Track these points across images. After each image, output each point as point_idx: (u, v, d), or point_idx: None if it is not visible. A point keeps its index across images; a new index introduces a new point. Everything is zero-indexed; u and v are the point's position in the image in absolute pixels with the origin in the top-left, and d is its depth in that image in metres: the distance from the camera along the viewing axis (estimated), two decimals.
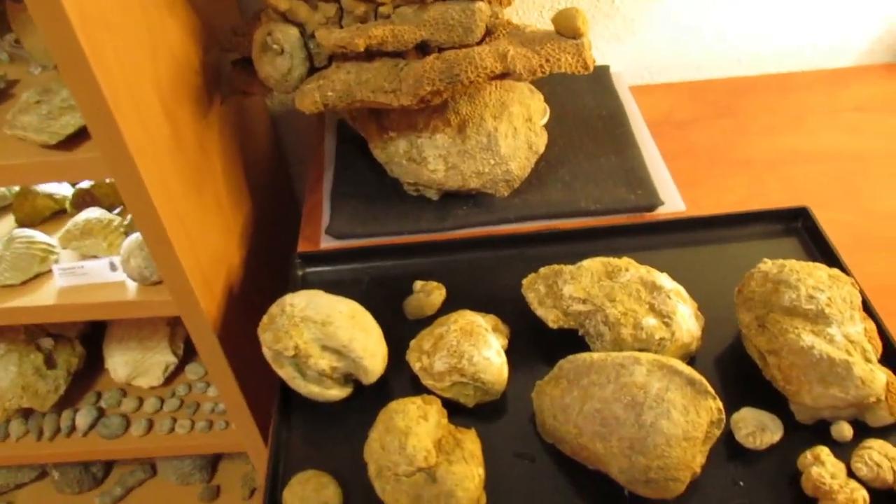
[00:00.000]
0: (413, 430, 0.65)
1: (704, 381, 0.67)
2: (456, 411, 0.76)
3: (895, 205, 0.96)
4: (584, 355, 0.72)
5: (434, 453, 0.65)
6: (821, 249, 0.88)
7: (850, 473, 0.67)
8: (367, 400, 0.78)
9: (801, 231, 0.92)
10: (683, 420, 0.65)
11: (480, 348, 0.75)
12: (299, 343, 0.72)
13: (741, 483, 0.69)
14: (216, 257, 0.88)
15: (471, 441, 0.68)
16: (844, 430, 0.70)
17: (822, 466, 0.67)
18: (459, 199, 0.98)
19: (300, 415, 0.78)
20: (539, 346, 0.82)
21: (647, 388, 0.66)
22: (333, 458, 0.73)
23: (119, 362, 1.09)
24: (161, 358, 1.09)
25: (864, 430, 0.71)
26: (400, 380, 0.79)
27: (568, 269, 0.81)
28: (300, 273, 0.92)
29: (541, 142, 0.95)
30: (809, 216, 0.91)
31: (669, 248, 0.91)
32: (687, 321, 0.76)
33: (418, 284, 0.87)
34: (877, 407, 0.70)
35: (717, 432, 0.68)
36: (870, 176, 1.00)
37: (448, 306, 0.86)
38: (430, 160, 0.91)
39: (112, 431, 1.05)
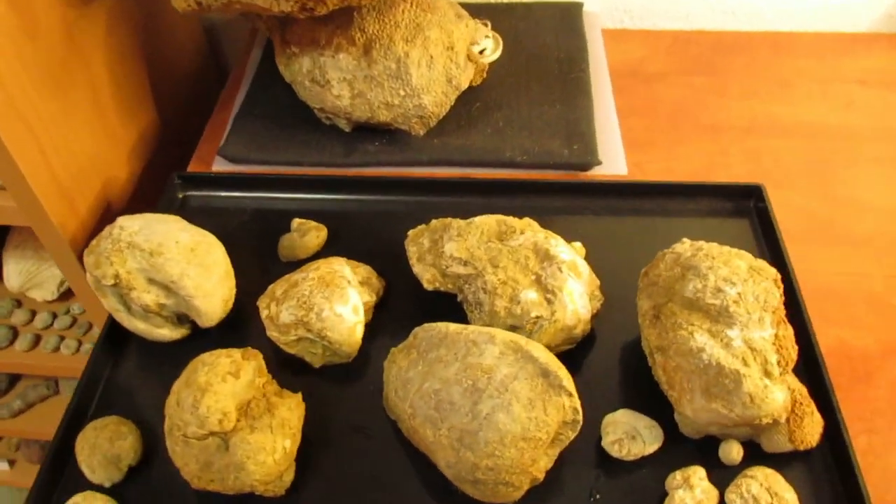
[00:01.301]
0: (213, 387, 0.56)
1: (563, 373, 0.56)
2: (302, 370, 0.67)
3: (867, 195, 0.82)
4: (441, 325, 0.62)
5: (232, 417, 0.56)
6: (767, 235, 0.76)
7: None
8: (214, 345, 0.69)
9: (751, 212, 0.79)
10: (525, 416, 0.54)
11: (334, 302, 0.65)
12: (120, 272, 0.63)
13: (597, 496, 0.59)
14: (84, 167, 0.79)
15: (288, 408, 0.59)
16: (732, 452, 0.59)
17: (690, 491, 0.56)
18: (373, 134, 0.87)
19: (133, 352, 0.69)
20: (415, 308, 0.72)
21: (492, 372, 0.56)
22: (151, 407, 0.64)
23: (13, 270, 1.02)
24: (57, 272, 1.01)
25: (758, 455, 0.60)
26: (258, 327, 0.70)
27: (457, 223, 0.70)
28: (180, 196, 0.83)
29: (464, 76, 0.83)
30: (762, 196, 0.77)
31: (597, 215, 0.79)
32: (575, 300, 0.64)
33: (295, 223, 0.77)
34: (773, 430, 0.58)
35: (571, 435, 0.57)
36: (849, 158, 0.86)
37: (326, 251, 0.76)
38: (333, 83, 0.80)
39: None
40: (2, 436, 1.27)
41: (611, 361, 0.67)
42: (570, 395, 0.56)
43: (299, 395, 0.61)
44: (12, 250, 1.03)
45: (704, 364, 0.56)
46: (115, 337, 0.69)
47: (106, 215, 0.84)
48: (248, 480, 0.55)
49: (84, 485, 0.60)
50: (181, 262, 0.64)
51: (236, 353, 0.60)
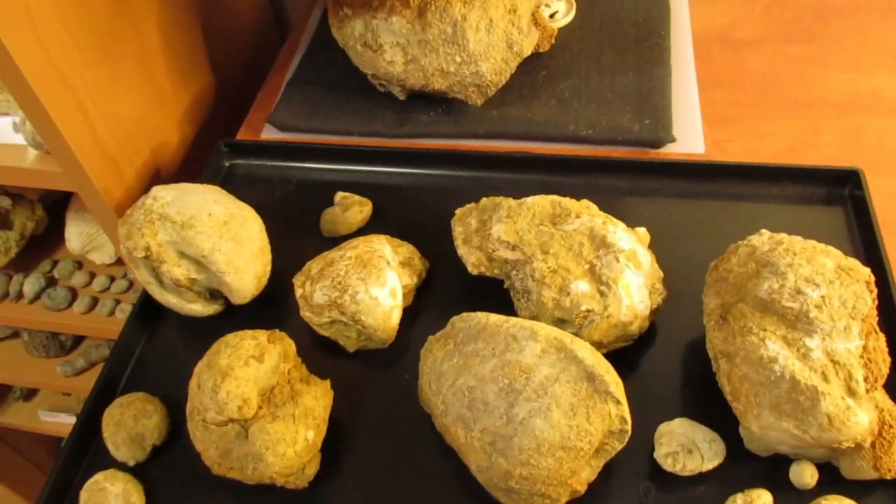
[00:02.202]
0: (235, 372, 0.53)
1: (611, 377, 0.50)
2: (336, 353, 0.64)
3: None
4: (480, 315, 0.56)
5: (253, 404, 0.53)
6: (862, 229, 0.66)
7: None
8: (247, 323, 0.66)
9: (845, 201, 0.69)
10: (565, 423, 0.49)
11: (370, 284, 0.61)
12: (151, 244, 0.61)
13: None
14: (131, 133, 0.78)
15: (313, 397, 0.55)
16: (805, 475, 0.52)
17: None
18: (428, 104, 0.81)
19: (166, 326, 0.67)
20: (459, 293, 0.67)
21: (531, 372, 0.50)
22: (179, 384, 0.62)
23: (74, 233, 1.02)
24: None
25: (836, 479, 0.53)
26: (294, 306, 0.66)
27: (508, 203, 0.65)
28: (226, 164, 0.80)
29: (526, 42, 0.76)
30: (859, 183, 0.68)
31: (667, 197, 0.72)
32: (632, 294, 0.58)
33: (339, 196, 0.73)
34: (856, 454, 0.51)
35: (618, 445, 0.51)
36: None
37: (370, 227, 0.72)
38: (386, 48, 0.75)
39: (56, 304, 1.00)
40: (69, 392, 1.30)
41: (670, 363, 0.61)
42: (618, 402, 0.50)
43: (327, 383, 0.58)
44: (74, 213, 1.04)
45: (776, 376, 0.49)
46: (149, 310, 0.67)
47: (154, 182, 0.82)
48: (266, 472, 0.52)
49: (109, 462, 0.58)
50: (213, 236, 0.61)
51: (262, 335, 0.56)
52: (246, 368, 0.53)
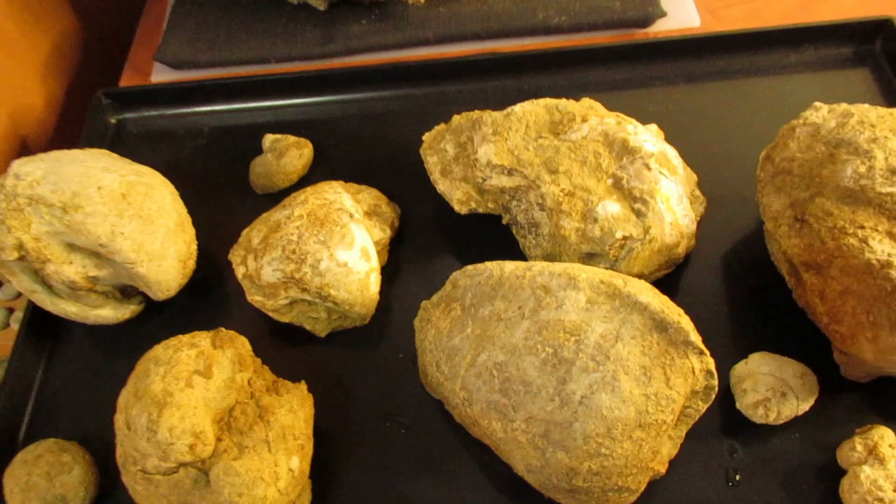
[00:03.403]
0: (175, 398, 0.38)
1: (686, 322, 0.38)
2: (305, 341, 0.49)
3: None
4: (491, 266, 0.43)
5: (209, 437, 0.38)
6: None
7: None
8: (178, 323, 0.51)
9: (878, 57, 0.58)
10: (640, 393, 0.36)
11: (334, 247, 0.46)
12: (24, 239, 0.44)
13: (737, 478, 0.42)
14: None
15: (289, 409, 0.41)
16: None
17: (881, 467, 0.39)
18: (356, 11, 0.65)
19: (69, 344, 0.51)
20: (445, 241, 0.53)
21: (581, 333, 0.38)
22: (103, 419, 0.46)
23: None
24: None
25: None
26: (237, 290, 0.51)
27: (491, 117, 0.50)
28: (112, 120, 0.62)
29: None
30: (894, 31, 0.57)
31: (671, 84, 0.59)
32: (674, 208, 0.45)
33: (268, 140, 0.57)
34: None
35: (703, 407, 0.40)
36: None
37: (314, 175, 0.57)
38: None
39: None
40: None
41: (718, 286, 0.49)
42: (701, 353, 0.38)
43: (303, 386, 0.43)
44: None
45: (894, 284, 0.38)
46: (43, 325, 0.50)
47: (22, 155, 0.64)
48: None
49: None
50: (109, 217, 0.45)
51: (203, 338, 0.41)
52: (190, 391, 0.39)
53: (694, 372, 0.38)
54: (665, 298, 0.39)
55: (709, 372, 0.38)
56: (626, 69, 0.60)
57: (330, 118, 0.60)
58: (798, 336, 0.45)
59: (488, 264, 0.43)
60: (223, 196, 0.57)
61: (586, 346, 0.37)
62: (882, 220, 0.40)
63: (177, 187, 0.52)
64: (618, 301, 0.38)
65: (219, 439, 0.39)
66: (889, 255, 0.38)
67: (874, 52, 0.58)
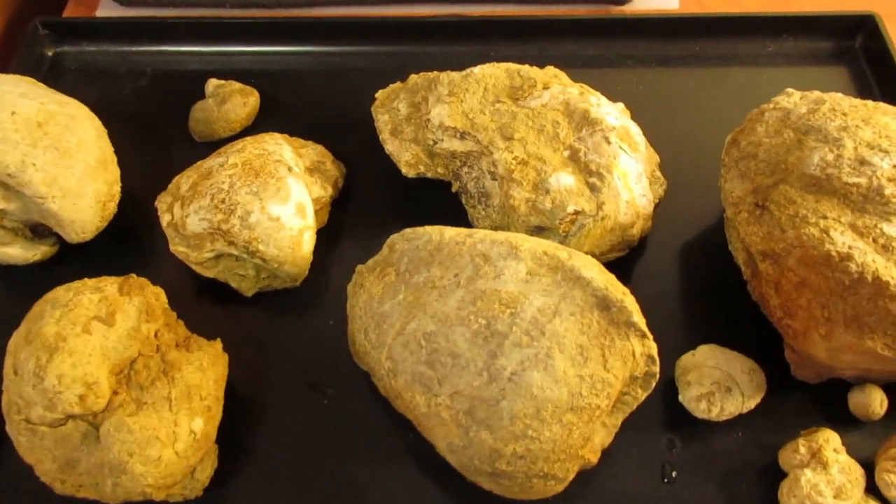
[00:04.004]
0: (69, 343, 0.34)
1: (630, 301, 0.35)
2: (229, 300, 0.46)
3: None
4: (431, 230, 0.40)
5: (104, 388, 0.35)
6: (883, 85, 0.54)
7: (872, 488, 0.37)
8: (93, 270, 0.47)
9: (857, 54, 0.56)
10: (574, 374, 0.34)
11: (266, 200, 0.43)
12: None
13: (674, 475, 0.40)
14: None
15: (198, 367, 0.38)
16: (873, 403, 0.40)
17: (823, 472, 0.37)
18: None
19: None
20: (390, 205, 0.50)
21: (517, 305, 0.35)
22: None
23: None
24: None
25: None
26: (161, 239, 0.47)
27: (449, 77, 0.47)
28: (49, 53, 0.58)
29: None
30: (876, 29, 0.55)
31: (643, 65, 0.57)
32: (631, 186, 0.43)
33: (211, 85, 0.53)
34: None
35: (642, 395, 0.37)
36: None
37: (258, 125, 0.53)
38: None
39: None
40: None
41: (673, 274, 0.47)
42: (643, 335, 0.35)
43: (218, 344, 0.40)
44: None
45: (853, 279, 0.36)
46: None
47: None
48: (135, 487, 0.35)
49: None
50: (21, 144, 0.41)
51: (110, 283, 0.38)
52: (86, 337, 0.35)
53: (634, 355, 0.35)
54: (611, 276, 0.37)
55: (650, 357, 0.35)
56: (598, 45, 0.57)
57: (282, 69, 0.57)
58: (750, 331, 0.43)
59: (428, 228, 0.40)
60: (160, 142, 0.53)
61: (522, 319, 0.34)
62: (846, 211, 0.37)
63: (111, 129, 0.48)
64: (560, 274, 0.35)
65: (115, 392, 0.35)
66: (850, 247, 0.36)
67: (853, 48, 0.56)
